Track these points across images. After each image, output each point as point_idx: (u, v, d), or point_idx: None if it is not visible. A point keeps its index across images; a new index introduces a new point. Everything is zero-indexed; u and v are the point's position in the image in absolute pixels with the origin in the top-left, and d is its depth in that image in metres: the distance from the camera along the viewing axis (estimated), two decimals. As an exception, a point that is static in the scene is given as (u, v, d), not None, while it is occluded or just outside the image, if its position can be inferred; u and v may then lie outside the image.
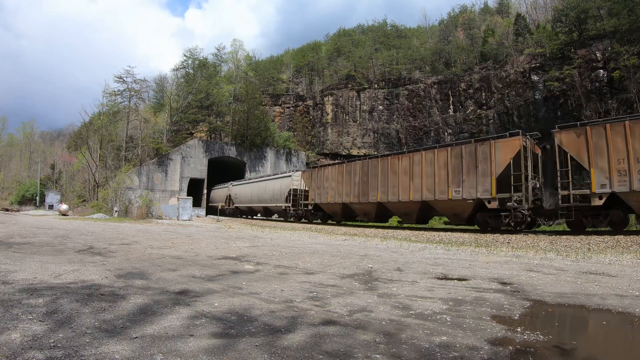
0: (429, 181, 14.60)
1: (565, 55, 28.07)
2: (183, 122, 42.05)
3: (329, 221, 21.76)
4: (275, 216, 29.41)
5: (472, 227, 15.79)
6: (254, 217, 31.70)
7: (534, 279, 5.27)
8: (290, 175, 24.85)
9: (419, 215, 15.88)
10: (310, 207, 22.10)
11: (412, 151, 16.11)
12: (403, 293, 4.34)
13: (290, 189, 23.93)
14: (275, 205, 26.20)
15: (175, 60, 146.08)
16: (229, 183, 35.18)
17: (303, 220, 23.60)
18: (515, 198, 12.34)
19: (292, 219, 24.36)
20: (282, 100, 49.63)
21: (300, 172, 24.33)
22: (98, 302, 3.49)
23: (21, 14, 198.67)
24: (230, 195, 34.34)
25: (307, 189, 22.71)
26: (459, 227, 16.20)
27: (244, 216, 32.94)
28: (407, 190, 15.37)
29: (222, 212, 34.92)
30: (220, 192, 37.31)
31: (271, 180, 27.69)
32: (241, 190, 32.31)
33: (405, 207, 15.86)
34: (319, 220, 22.07)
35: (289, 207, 23.95)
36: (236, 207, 33.30)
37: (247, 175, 38.23)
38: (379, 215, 17.75)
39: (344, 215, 20.03)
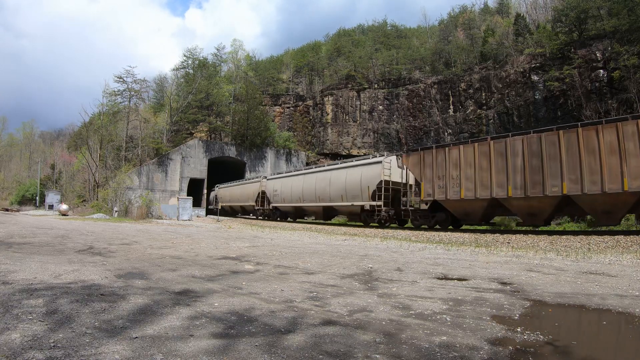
0: None
1: (565, 55, 28.05)
2: (183, 122, 42.13)
3: (450, 227, 15.30)
4: (339, 219, 22.62)
5: (471, 227, 15.63)
6: (297, 220, 25.19)
7: (534, 279, 5.27)
8: (380, 162, 17.53)
9: (628, 212, 11.62)
10: (423, 206, 15.99)
11: (617, 120, 11.44)
12: (403, 293, 4.34)
13: (381, 181, 17.05)
14: (348, 204, 19.16)
15: (176, 60, 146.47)
16: (262, 177, 28.69)
17: (392, 224, 17.73)
18: None
19: (377, 223, 17.72)
20: (282, 100, 49.65)
21: (395, 157, 17.74)
22: (98, 302, 3.49)
23: (21, 13, 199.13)
24: (264, 192, 27.29)
25: (411, 182, 17.18)
26: (459, 227, 15.84)
27: (284, 219, 26.17)
28: (617, 177, 10.84)
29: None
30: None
31: (342, 169, 20.14)
32: (285, 186, 24.67)
33: (611, 200, 11.09)
34: (426, 226, 15.87)
35: (379, 206, 17.09)
36: (275, 208, 26.00)
37: (247, 175, 38.11)
38: (554, 214, 12.91)
39: (485, 215, 14.24)
